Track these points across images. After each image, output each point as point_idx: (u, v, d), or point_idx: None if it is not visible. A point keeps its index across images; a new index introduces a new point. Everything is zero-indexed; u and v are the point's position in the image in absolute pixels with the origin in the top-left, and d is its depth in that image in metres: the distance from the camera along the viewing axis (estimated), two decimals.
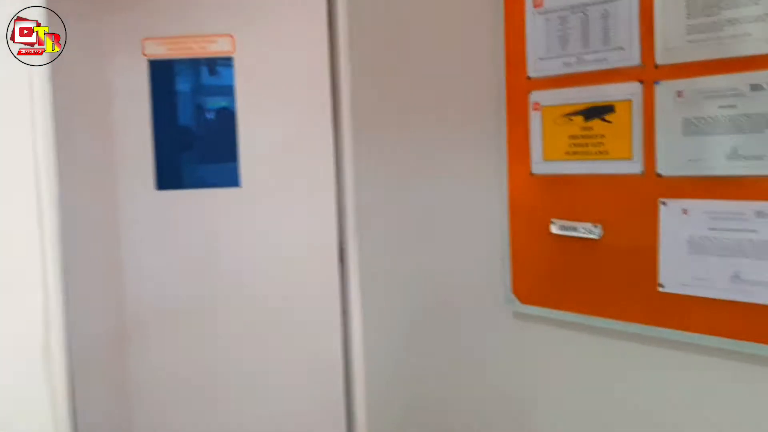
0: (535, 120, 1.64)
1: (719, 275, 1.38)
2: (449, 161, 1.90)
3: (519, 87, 1.66)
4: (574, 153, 1.58)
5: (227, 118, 2.25)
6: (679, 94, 1.39)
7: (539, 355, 1.73)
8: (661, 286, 1.46)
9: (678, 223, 1.42)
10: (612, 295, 1.55)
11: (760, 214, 1.32)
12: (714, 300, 1.39)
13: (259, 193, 2.26)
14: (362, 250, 2.17)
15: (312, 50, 2.21)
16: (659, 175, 1.44)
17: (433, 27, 1.90)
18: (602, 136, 1.53)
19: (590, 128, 1.55)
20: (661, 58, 1.41)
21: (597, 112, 1.53)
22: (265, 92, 2.24)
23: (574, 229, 1.60)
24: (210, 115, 2.36)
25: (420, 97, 1.95)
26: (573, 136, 1.58)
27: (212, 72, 2.30)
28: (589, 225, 1.57)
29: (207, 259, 2.28)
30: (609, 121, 1.51)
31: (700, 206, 1.40)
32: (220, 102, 2.30)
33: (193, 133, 2.37)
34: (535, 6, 1.60)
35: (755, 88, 1.29)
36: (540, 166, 1.65)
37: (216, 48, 2.23)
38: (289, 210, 2.26)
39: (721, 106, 1.34)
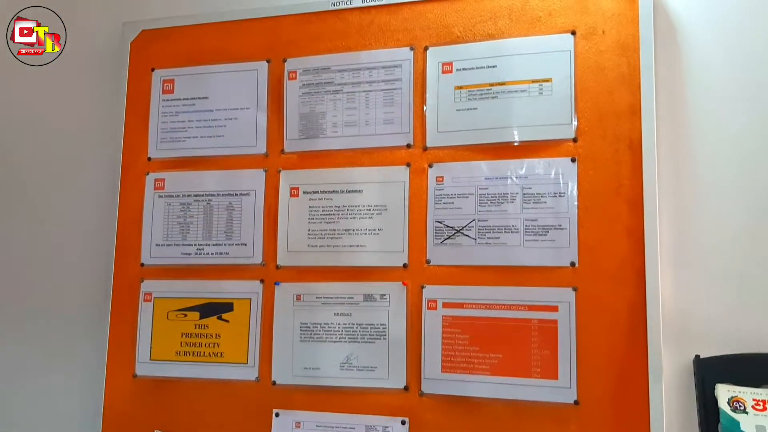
0: (145, 313, 1.43)
1: None
2: (28, 357, 1.58)
3: (130, 274, 1.46)
4: (186, 354, 1.40)
5: None
6: (298, 297, 1.34)
7: None
8: None
9: None
10: None
11: (370, 428, 1.26)
12: None
13: None
14: None
15: None
16: (274, 383, 1.33)
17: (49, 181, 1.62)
18: (218, 336, 1.39)
19: (206, 326, 1.40)
20: (282, 260, 1.36)
21: (214, 309, 1.39)
22: None
23: None
24: None
25: None
26: (186, 334, 1.40)
27: None
28: None
29: None
30: (226, 320, 1.38)
31: (313, 419, 1.30)
32: None
33: None
34: (156, 188, 1.46)
35: (368, 298, 1.30)
36: (146, 366, 1.42)
37: None
38: None
39: (336, 314, 1.31)
